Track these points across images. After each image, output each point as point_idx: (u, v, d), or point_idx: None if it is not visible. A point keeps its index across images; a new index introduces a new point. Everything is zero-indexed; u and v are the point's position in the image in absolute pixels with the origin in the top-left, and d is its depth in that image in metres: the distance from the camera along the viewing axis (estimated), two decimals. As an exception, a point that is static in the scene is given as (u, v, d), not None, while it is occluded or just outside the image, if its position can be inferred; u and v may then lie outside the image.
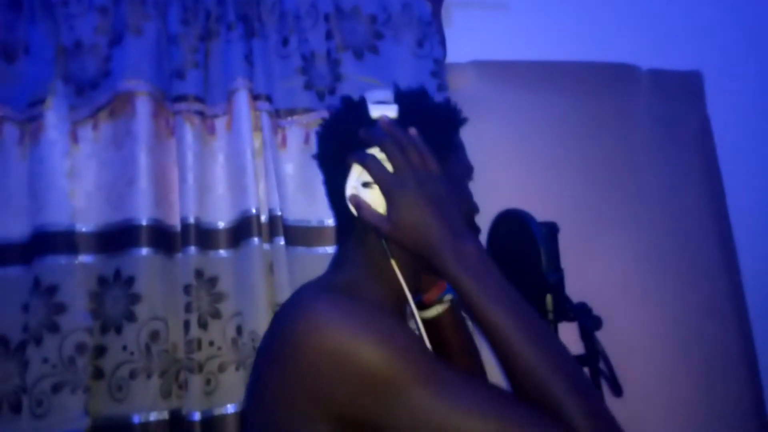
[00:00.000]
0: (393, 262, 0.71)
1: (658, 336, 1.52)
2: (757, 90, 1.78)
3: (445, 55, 1.49)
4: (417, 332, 0.70)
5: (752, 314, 1.61)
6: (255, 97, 1.28)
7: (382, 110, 0.77)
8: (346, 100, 0.82)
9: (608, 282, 1.48)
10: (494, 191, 1.43)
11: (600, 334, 1.38)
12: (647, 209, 1.55)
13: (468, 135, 1.27)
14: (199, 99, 1.26)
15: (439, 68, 1.45)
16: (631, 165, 1.56)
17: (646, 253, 1.53)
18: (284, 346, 0.65)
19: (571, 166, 1.53)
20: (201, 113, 1.26)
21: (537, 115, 1.53)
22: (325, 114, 1.36)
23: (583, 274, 1.44)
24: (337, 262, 0.79)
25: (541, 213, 1.44)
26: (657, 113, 1.61)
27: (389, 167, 0.72)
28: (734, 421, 1.55)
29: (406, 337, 0.62)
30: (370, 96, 0.80)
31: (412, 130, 0.74)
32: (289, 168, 1.31)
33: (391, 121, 0.74)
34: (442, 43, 1.48)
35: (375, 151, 0.73)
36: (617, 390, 0.83)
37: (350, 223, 0.77)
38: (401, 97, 0.79)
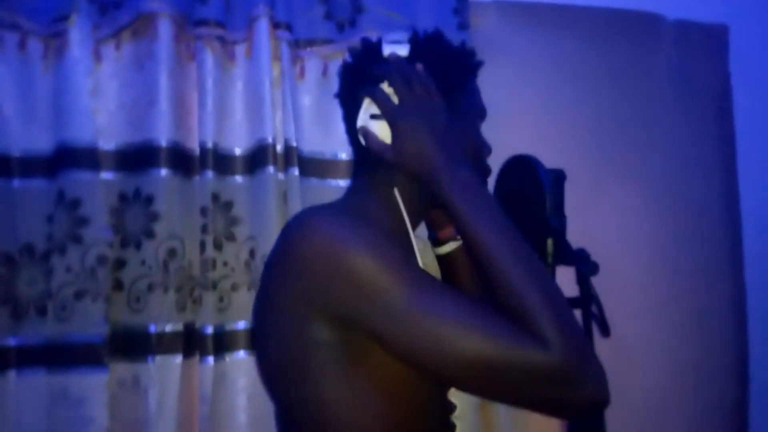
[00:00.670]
0: (396, 191, 0.77)
1: (655, 287, 1.57)
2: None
3: (469, -7, 1.47)
4: (418, 256, 0.75)
5: (748, 271, 1.66)
6: (275, 25, 1.29)
7: (394, 49, 0.81)
8: (364, 41, 0.85)
9: (611, 231, 1.52)
10: (507, 133, 1.45)
11: (596, 280, 1.45)
12: (657, 162, 1.57)
13: (485, 75, 1.29)
14: (220, 24, 1.26)
15: (461, 5, 1.44)
16: (646, 116, 1.56)
17: (650, 205, 1.55)
18: (285, 255, 0.71)
19: (586, 113, 1.54)
20: (221, 39, 1.27)
21: (556, 60, 1.52)
22: (344, 46, 1.37)
23: (588, 221, 1.49)
24: (348, 191, 0.84)
25: (551, 158, 1.46)
26: (677, 65, 1.60)
27: (395, 100, 0.76)
28: (720, 376, 1.62)
29: (392, 247, 0.68)
30: (387, 37, 0.85)
31: (419, 66, 0.78)
32: (306, 100, 1.33)
33: (400, 58, 0.79)
34: (467, -21, 1.46)
35: (384, 86, 0.77)
36: (605, 330, 0.88)
37: (362, 154, 0.82)
38: (414, 38, 0.83)
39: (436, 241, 0.97)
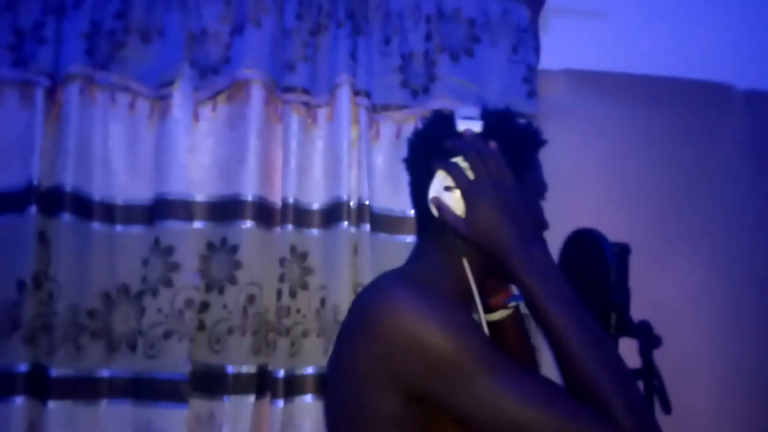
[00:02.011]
0: (465, 261, 0.80)
1: (721, 356, 1.55)
2: None
3: (538, 61, 1.54)
4: (485, 327, 0.80)
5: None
6: (356, 92, 1.39)
7: (468, 125, 0.84)
8: (437, 113, 0.91)
9: (676, 299, 1.52)
10: (573, 200, 1.50)
11: (662, 348, 1.46)
12: (724, 232, 1.57)
13: (553, 142, 1.35)
14: (305, 91, 1.38)
15: (530, 74, 1.51)
16: (714, 186, 1.58)
17: (717, 275, 1.55)
18: (365, 326, 0.75)
19: (652, 181, 1.56)
20: (306, 103, 1.38)
21: (623, 128, 1.56)
22: (417, 111, 1.46)
23: (653, 290, 1.50)
24: (415, 255, 0.88)
25: (617, 225, 1.50)
26: (747, 135, 1.61)
27: (470, 175, 0.79)
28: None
29: (472, 327, 0.71)
30: (459, 111, 0.88)
31: (492, 144, 0.80)
32: (379, 160, 1.42)
33: (475, 134, 0.82)
34: (537, 49, 1.54)
35: (458, 160, 0.80)
36: (666, 407, 0.90)
37: (430, 222, 0.84)
38: (487, 115, 0.86)
39: (487, 308, 0.98)
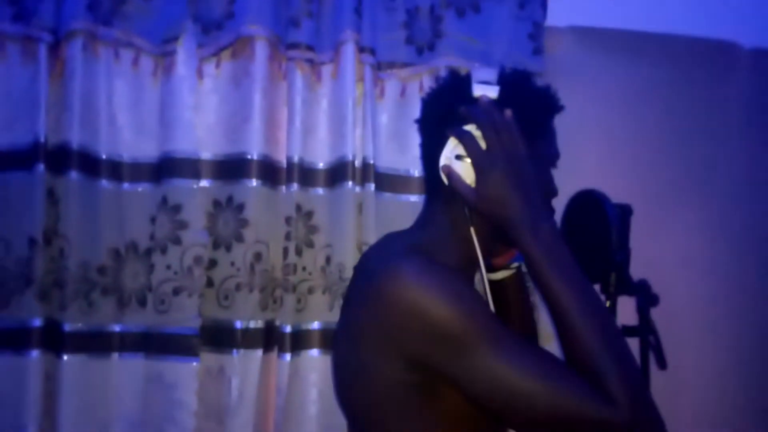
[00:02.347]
0: (472, 230, 0.80)
1: (718, 311, 1.58)
2: None
3: (544, 18, 1.52)
4: (484, 293, 0.81)
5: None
6: (360, 49, 1.38)
7: (484, 90, 0.82)
8: (453, 74, 0.89)
9: (677, 254, 1.55)
10: (578, 157, 1.50)
11: (659, 307, 1.50)
12: (726, 188, 1.58)
13: (561, 98, 1.35)
14: (310, 47, 1.37)
15: (537, 31, 1.49)
16: (717, 145, 1.58)
17: (717, 229, 1.57)
18: (373, 295, 0.77)
19: (656, 138, 1.57)
20: (310, 60, 1.38)
21: (629, 85, 1.56)
22: (423, 69, 1.45)
23: (654, 245, 1.52)
24: (423, 221, 0.88)
25: (620, 184, 1.52)
26: (752, 93, 1.61)
27: (483, 144, 0.78)
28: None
29: (475, 300, 0.73)
30: (476, 74, 0.86)
31: (508, 112, 0.79)
32: (384, 118, 1.42)
33: (491, 102, 0.80)
34: (543, 5, 1.51)
35: (471, 128, 0.79)
36: (662, 363, 0.94)
37: (439, 188, 0.84)
38: (504, 79, 0.84)
39: (489, 267, 0.98)
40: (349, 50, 1.37)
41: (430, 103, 0.88)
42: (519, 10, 1.48)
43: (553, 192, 0.91)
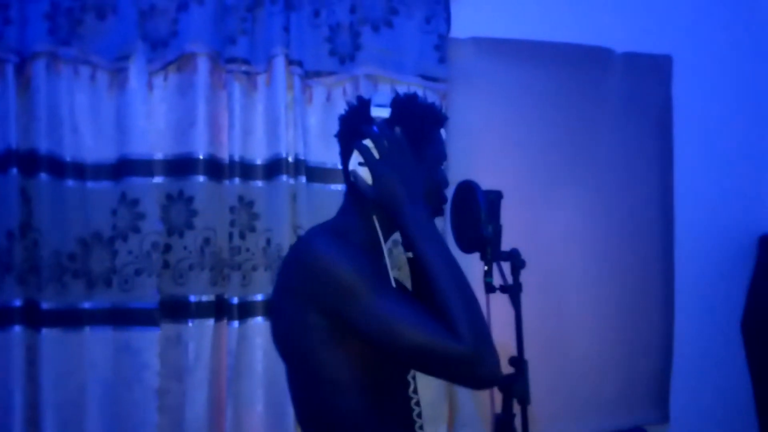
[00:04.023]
0: (374, 217, 1.07)
1: (596, 274, 1.90)
2: (722, 76, 2.05)
3: (448, 30, 1.78)
4: (387, 267, 1.06)
5: (678, 263, 1.99)
6: (290, 62, 1.62)
7: (379, 111, 1.07)
8: (359, 99, 1.13)
9: (561, 227, 1.86)
10: (480, 149, 1.79)
11: (549, 267, 1.85)
12: (602, 173, 1.90)
13: (461, 102, 1.63)
14: (245, 61, 1.60)
15: (441, 42, 1.76)
16: (595, 134, 1.89)
17: (595, 207, 1.89)
18: (295, 264, 1.02)
19: (545, 131, 1.86)
20: (247, 72, 1.61)
21: (521, 87, 1.84)
22: (345, 77, 1.70)
23: (543, 219, 1.83)
24: (341, 211, 1.14)
25: (515, 172, 1.83)
26: (624, 91, 1.92)
27: (376, 154, 1.04)
28: (649, 349, 1.96)
29: (368, 264, 0.98)
30: (374, 99, 1.11)
31: (397, 129, 1.05)
32: (313, 120, 1.67)
33: (383, 121, 1.06)
34: (447, 20, 1.78)
35: (369, 143, 1.05)
36: (516, 308, 1.22)
37: (351, 188, 1.10)
38: (395, 101, 1.09)
39: (406, 247, 1.22)
40: (279, 63, 1.61)
41: (341, 122, 1.13)
42: (426, 25, 1.74)
43: (444, 183, 1.17)
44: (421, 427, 1.07)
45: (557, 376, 1.84)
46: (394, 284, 1.02)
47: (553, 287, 1.84)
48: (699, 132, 2.01)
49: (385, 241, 1.10)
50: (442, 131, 1.18)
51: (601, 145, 1.89)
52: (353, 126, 1.09)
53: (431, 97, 1.74)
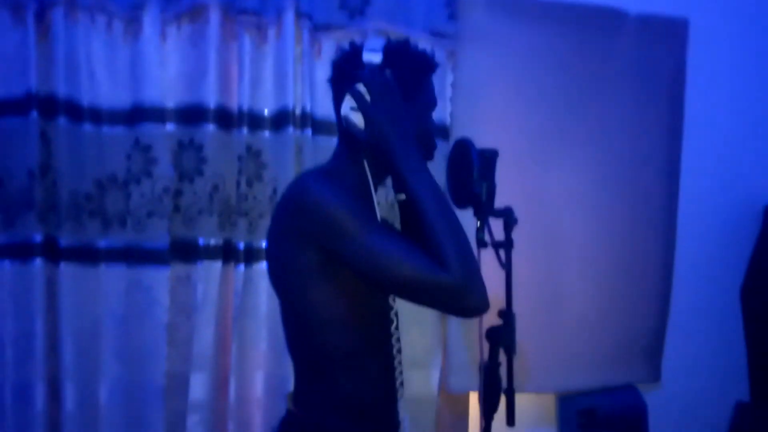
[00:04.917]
0: (365, 161, 1.11)
1: (599, 231, 1.93)
2: (739, 42, 2.01)
3: (459, -14, 1.78)
4: (376, 206, 1.10)
5: (680, 231, 2.00)
6: (299, 15, 1.65)
7: (370, 56, 1.09)
8: (351, 45, 1.16)
9: (562, 189, 1.88)
10: (488, 107, 1.81)
11: (553, 224, 1.88)
12: (608, 137, 1.90)
13: (470, 59, 1.63)
14: (256, 13, 1.64)
15: (451, -1, 1.76)
16: (603, 99, 1.89)
17: (598, 171, 1.90)
18: (288, 204, 1.08)
19: (554, 92, 1.86)
20: (257, 25, 1.64)
21: (531, 46, 1.84)
22: (354, 30, 1.72)
23: (545, 181, 1.86)
24: (334, 155, 1.18)
25: (522, 129, 1.85)
26: (637, 56, 1.90)
27: (368, 98, 1.06)
28: (645, 306, 2.00)
29: (357, 202, 1.04)
30: (367, 44, 1.12)
31: (387, 72, 1.07)
32: (320, 74, 1.70)
33: (373, 65, 1.08)
34: (459, -25, 1.77)
35: (361, 87, 1.06)
36: (502, 264, 1.27)
37: (344, 132, 1.14)
38: (387, 47, 1.10)
39: (397, 190, 1.28)
40: (289, 15, 1.64)
41: (334, 68, 1.16)
42: (437, -21, 1.75)
43: (434, 128, 1.21)
44: (399, 363, 1.15)
45: (551, 332, 1.90)
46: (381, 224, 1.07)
47: (553, 245, 1.88)
48: (711, 99, 2.00)
49: (376, 185, 1.14)
50: (433, 78, 1.20)
51: (610, 108, 1.89)
52: (345, 71, 1.11)
53: (439, 54, 1.77)
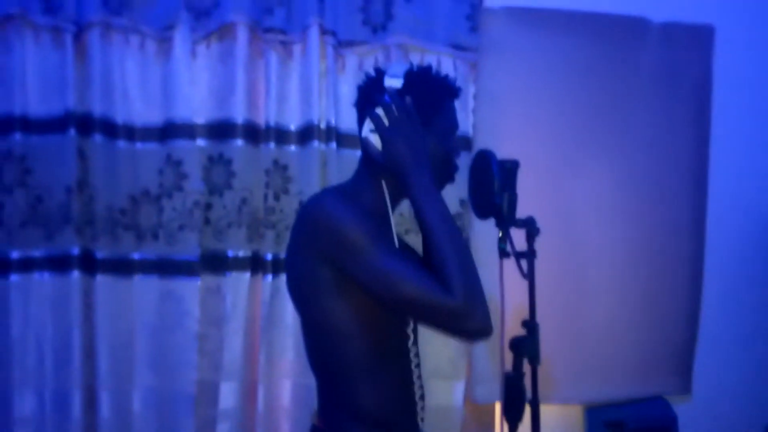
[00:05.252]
0: (383, 182, 1.14)
1: (626, 243, 1.92)
2: (766, 47, 1.99)
3: (481, 0, 1.80)
4: (393, 226, 1.13)
5: (709, 233, 1.97)
6: (323, 32, 1.69)
7: (391, 82, 1.13)
8: (375, 70, 1.19)
9: (591, 197, 1.88)
10: (511, 118, 1.82)
11: (577, 237, 1.87)
12: (633, 147, 1.89)
13: (492, 71, 1.64)
14: (282, 31, 1.69)
15: (474, 12, 1.79)
16: (627, 109, 1.88)
17: (623, 181, 1.89)
18: (305, 221, 1.11)
19: (578, 103, 1.86)
20: (283, 42, 1.69)
21: (555, 57, 1.85)
22: (377, 46, 1.76)
23: (569, 191, 1.86)
24: (354, 175, 1.21)
25: (545, 140, 1.86)
26: (662, 64, 1.89)
27: (386, 122, 1.10)
28: (675, 318, 1.97)
29: (370, 223, 1.05)
30: (390, 70, 1.16)
31: (407, 99, 1.11)
32: (344, 89, 1.75)
33: (395, 91, 1.11)
34: (480, -11, 1.80)
35: (380, 111, 1.10)
36: (524, 274, 1.28)
37: (364, 153, 1.17)
38: (408, 72, 1.15)
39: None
40: (314, 33, 1.68)
41: (359, 91, 1.20)
42: (458, -6, 1.77)
43: (456, 152, 1.22)
44: (419, 377, 1.16)
45: (578, 342, 1.89)
46: (397, 245, 1.09)
47: (579, 254, 1.88)
48: (738, 106, 1.97)
49: (393, 206, 1.17)
50: (456, 102, 1.23)
51: (635, 117, 1.88)
52: (368, 95, 1.16)
53: (461, 67, 1.80)
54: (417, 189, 1.07)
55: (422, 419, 1.17)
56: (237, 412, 1.69)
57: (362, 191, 1.16)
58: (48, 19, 1.61)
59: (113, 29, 1.63)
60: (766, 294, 2.06)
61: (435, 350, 1.78)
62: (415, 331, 1.18)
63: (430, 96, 1.15)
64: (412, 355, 1.16)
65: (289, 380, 1.72)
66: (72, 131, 1.60)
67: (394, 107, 1.10)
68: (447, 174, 1.20)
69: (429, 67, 1.20)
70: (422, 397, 1.17)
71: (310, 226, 1.09)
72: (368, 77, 1.19)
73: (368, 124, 1.11)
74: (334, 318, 1.10)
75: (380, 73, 1.16)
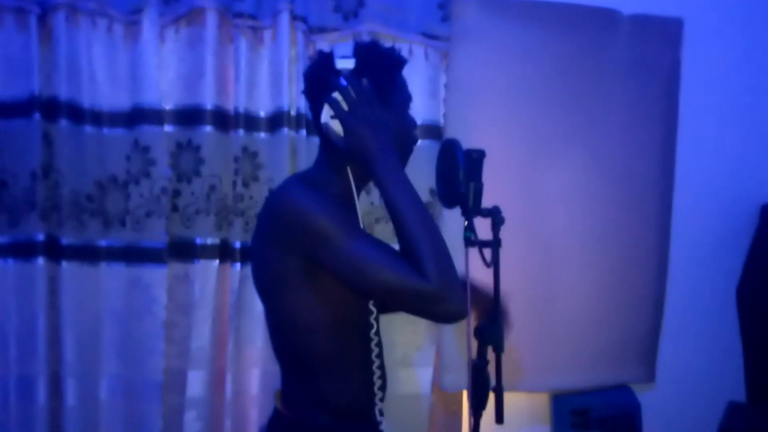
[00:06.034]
0: (348, 168, 1.14)
1: (592, 230, 1.93)
2: (734, 42, 2.02)
3: (453, -12, 1.80)
4: (359, 213, 1.12)
5: (675, 222, 2.00)
6: (294, 17, 1.68)
7: (344, 63, 1.09)
8: (320, 53, 1.16)
9: (559, 186, 1.89)
10: (481, 107, 1.83)
11: (540, 231, 1.88)
12: (603, 137, 1.91)
13: (463, 60, 1.64)
14: (252, 16, 1.67)
15: (446, 1, 1.79)
16: (597, 99, 1.89)
17: (592, 171, 1.91)
18: (271, 211, 1.10)
19: (547, 92, 1.87)
20: (253, 27, 1.68)
21: (524, 47, 1.85)
22: (348, 33, 1.75)
23: (539, 181, 1.87)
24: (316, 162, 1.20)
25: (515, 131, 1.87)
26: (631, 56, 1.90)
27: (345, 106, 1.07)
28: (640, 307, 2.01)
29: (338, 211, 1.05)
30: (337, 51, 1.12)
31: (364, 81, 1.08)
32: (315, 76, 1.73)
33: (349, 73, 1.08)
34: (452, -23, 1.79)
35: (337, 95, 1.07)
36: (487, 263, 1.29)
37: (324, 140, 1.16)
38: (359, 51, 1.10)
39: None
40: (284, 18, 1.67)
41: (307, 77, 1.16)
42: (430, -19, 1.77)
43: (412, 125, 1.21)
44: (379, 367, 1.16)
45: (544, 331, 1.91)
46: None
47: (548, 244, 1.90)
48: (706, 98, 2.00)
49: (358, 191, 1.16)
50: (425, 91, 1.24)
51: (604, 108, 1.90)
52: (320, 80, 1.12)
53: (432, 56, 1.80)
54: (384, 173, 1.06)
55: (381, 409, 1.17)
56: (205, 399, 1.68)
57: (326, 178, 1.15)
58: (12, 1, 1.57)
59: (79, 12, 1.60)
60: (728, 285, 2.11)
61: (403, 338, 1.79)
62: (377, 319, 1.18)
63: (383, 73, 1.13)
64: (373, 344, 1.16)
65: (257, 368, 1.72)
66: (37, 115, 1.57)
67: (351, 90, 1.08)
68: (408, 149, 1.19)
69: (376, 42, 1.18)
70: (382, 387, 1.17)
71: (276, 217, 1.08)
72: (315, 61, 1.16)
73: (327, 110, 1.09)
74: (298, 308, 1.10)
75: (328, 56, 1.12)
